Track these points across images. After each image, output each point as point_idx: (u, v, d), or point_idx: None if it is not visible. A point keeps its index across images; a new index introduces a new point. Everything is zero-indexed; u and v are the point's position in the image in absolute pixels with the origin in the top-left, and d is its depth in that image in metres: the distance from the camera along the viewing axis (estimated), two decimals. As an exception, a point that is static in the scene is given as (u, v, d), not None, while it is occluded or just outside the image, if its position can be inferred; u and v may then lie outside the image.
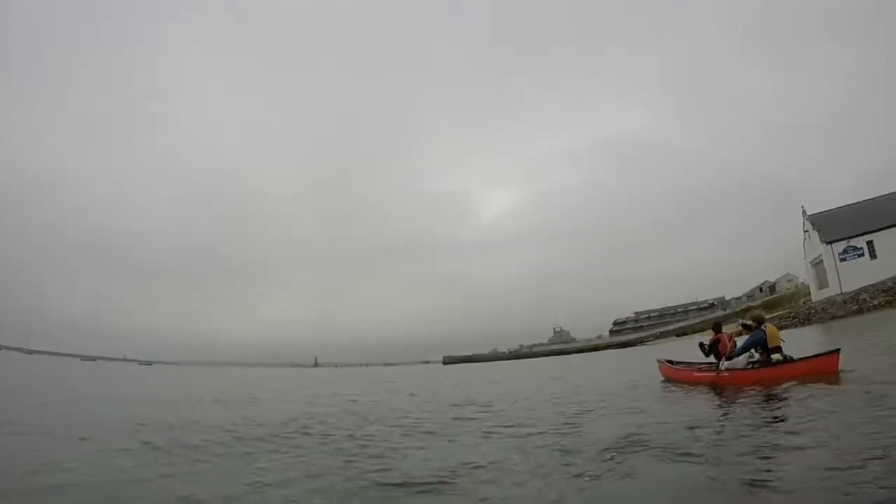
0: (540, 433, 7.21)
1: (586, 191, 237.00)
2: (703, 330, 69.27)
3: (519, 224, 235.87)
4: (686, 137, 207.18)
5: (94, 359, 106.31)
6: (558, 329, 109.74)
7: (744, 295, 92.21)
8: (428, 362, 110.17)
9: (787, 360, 9.81)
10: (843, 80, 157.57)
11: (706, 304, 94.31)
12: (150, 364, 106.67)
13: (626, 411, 8.69)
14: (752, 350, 10.54)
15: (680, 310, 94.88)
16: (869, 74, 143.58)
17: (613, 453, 5.49)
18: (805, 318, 40.17)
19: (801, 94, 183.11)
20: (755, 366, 10.18)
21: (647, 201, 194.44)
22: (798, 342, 15.60)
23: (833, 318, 37.57)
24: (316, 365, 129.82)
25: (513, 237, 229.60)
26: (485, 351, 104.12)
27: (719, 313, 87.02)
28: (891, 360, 10.34)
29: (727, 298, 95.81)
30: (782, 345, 10.16)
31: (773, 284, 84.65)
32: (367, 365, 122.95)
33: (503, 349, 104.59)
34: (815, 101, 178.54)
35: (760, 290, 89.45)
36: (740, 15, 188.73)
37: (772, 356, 9.96)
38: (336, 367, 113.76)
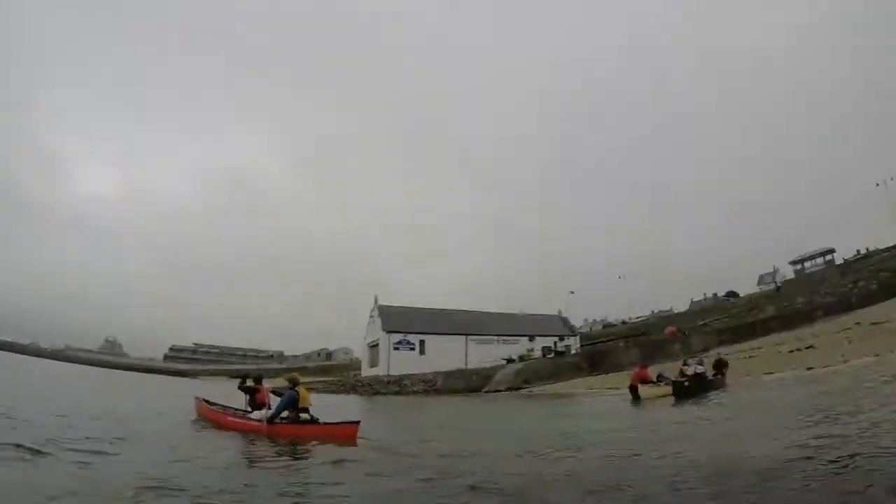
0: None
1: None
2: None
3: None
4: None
5: None
6: (111, 339, 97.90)
7: (302, 355, 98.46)
8: None
9: (314, 420, 10.93)
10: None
11: (265, 354, 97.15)
12: None
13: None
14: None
15: (240, 352, 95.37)
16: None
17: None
18: (351, 387, 44.95)
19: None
20: (283, 421, 10.92)
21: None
22: (340, 408, 17.68)
23: (376, 393, 42.86)
24: None
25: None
26: (26, 341, 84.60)
27: (275, 365, 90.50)
28: (405, 436, 12.60)
29: (286, 354, 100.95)
30: (310, 407, 11.20)
31: (331, 353, 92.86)
32: None
33: (46, 344, 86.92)
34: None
35: (318, 354, 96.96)
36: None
37: (300, 415, 10.90)
38: None
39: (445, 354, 47.97)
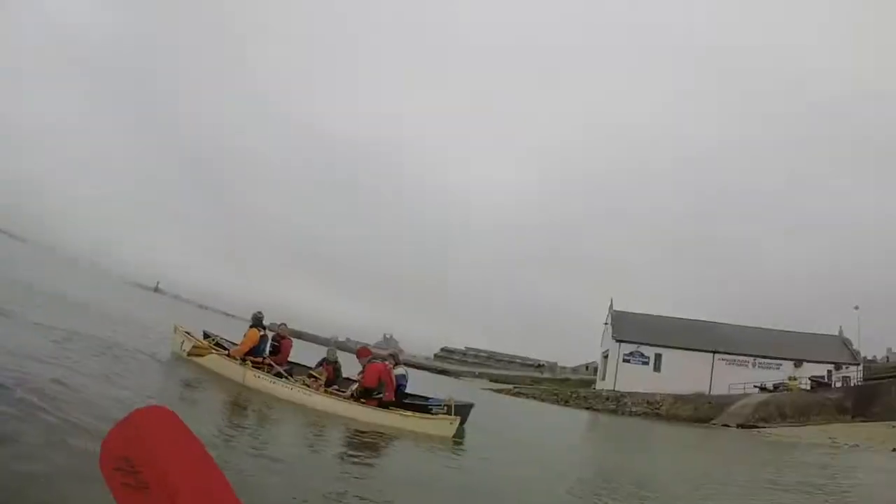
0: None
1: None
2: (517, 382, 69.16)
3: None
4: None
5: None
6: (388, 336, 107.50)
7: (570, 367, 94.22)
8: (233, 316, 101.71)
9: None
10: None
11: (535, 363, 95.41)
12: None
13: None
14: None
15: (507, 359, 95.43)
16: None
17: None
18: (564, 399, 39.71)
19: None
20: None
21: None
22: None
23: (589, 408, 37.14)
24: (157, 290, 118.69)
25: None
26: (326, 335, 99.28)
27: (545, 375, 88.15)
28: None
29: (558, 365, 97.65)
30: None
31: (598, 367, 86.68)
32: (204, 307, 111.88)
33: (342, 338, 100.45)
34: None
35: (586, 367, 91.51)
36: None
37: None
38: (178, 298, 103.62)
39: (684, 373, 38.92)
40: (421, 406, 10.63)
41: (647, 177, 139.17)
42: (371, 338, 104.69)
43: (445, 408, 10.32)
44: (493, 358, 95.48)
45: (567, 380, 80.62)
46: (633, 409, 36.32)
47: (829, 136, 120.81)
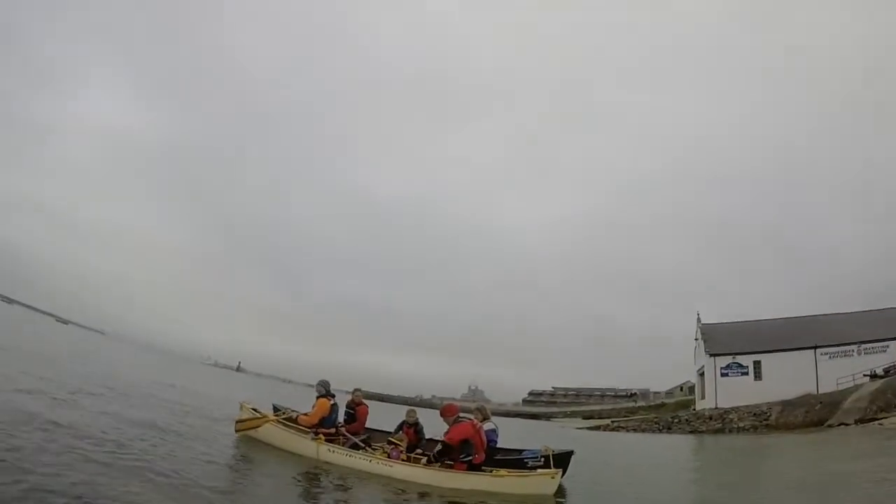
0: None
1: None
2: (611, 416, 67.09)
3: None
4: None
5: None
6: (473, 387, 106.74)
7: (664, 391, 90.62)
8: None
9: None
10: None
11: (624, 393, 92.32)
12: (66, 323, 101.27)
13: None
14: None
15: (597, 393, 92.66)
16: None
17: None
18: (666, 426, 38.05)
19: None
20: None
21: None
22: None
23: (694, 431, 35.53)
24: (238, 369, 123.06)
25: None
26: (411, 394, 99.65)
27: (634, 403, 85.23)
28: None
29: (650, 391, 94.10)
30: None
31: (694, 386, 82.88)
32: (288, 381, 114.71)
33: (427, 395, 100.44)
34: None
35: (681, 389, 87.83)
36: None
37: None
38: (259, 375, 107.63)
39: (787, 376, 36.74)
40: (515, 461, 9.60)
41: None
42: (456, 391, 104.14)
43: (542, 459, 9.32)
44: (581, 394, 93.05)
45: (663, 405, 77.53)
46: (740, 425, 34.52)
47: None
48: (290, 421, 10.25)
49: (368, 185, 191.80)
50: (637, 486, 11.23)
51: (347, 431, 10.50)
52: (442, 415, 9.16)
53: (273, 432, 9.90)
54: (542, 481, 8.56)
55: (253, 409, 10.83)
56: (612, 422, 47.24)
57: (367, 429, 11.19)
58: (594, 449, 20.35)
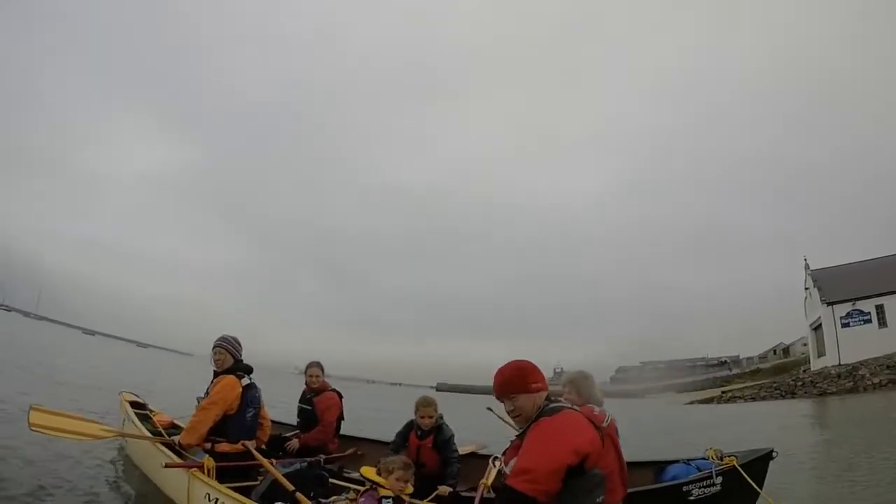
0: None
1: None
2: (705, 388, 62.84)
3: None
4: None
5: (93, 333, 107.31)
6: (559, 370, 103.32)
7: (756, 356, 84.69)
8: (399, 384, 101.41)
9: None
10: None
11: (715, 362, 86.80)
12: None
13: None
14: None
15: (687, 364, 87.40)
16: None
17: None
18: (789, 390, 33.80)
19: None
20: None
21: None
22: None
23: (822, 393, 31.54)
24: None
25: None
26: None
27: (727, 372, 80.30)
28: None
29: (741, 357, 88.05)
30: None
31: (788, 347, 76.90)
32: (371, 382, 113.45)
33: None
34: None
35: (774, 352, 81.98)
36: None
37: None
38: (342, 378, 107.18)
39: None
40: (672, 492, 4.68)
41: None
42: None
43: (721, 476, 4.65)
44: (672, 367, 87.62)
45: (758, 370, 72.56)
46: (875, 381, 30.31)
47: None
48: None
49: (400, 178, 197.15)
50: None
51: (301, 443, 6.01)
52: (503, 387, 2.75)
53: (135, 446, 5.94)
54: None
55: (130, 402, 7.04)
56: (724, 392, 42.15)
57: (343, 437, 6.53)
58: (739, 430, 16.68)
